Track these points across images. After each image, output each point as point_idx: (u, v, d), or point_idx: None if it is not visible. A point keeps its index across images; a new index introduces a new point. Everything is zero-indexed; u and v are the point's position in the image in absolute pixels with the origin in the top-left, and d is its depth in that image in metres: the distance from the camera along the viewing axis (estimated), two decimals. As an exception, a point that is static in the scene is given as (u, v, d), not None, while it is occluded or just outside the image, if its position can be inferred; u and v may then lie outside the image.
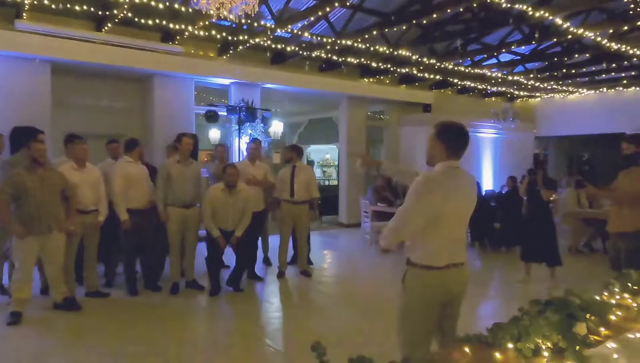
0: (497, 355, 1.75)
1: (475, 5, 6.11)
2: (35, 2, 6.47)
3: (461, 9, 6.67)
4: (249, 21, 4.95)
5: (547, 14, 6.44)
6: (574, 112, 13.73)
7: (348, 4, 6.57)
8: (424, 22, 6.97)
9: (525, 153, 14.22)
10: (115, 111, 8.71)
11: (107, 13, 6.81)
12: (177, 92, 8.81)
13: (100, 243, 5.50)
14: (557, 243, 6.32)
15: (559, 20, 6.76)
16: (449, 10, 6.41)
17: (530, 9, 6.30)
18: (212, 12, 4.18)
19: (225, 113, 9.12)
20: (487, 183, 12.82)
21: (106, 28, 7.41)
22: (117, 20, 7.10)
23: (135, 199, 5.49)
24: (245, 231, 5.71)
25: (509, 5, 6.04)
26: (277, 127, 10.56)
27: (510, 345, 1.79)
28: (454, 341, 2.54)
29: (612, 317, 2.12)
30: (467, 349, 1.79)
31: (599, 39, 7.50)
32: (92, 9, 6.77)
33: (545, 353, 1.73)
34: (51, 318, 4.79)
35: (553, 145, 16.07)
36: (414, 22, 6.96)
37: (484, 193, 9.62)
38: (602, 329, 2.00)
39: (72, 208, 4.92)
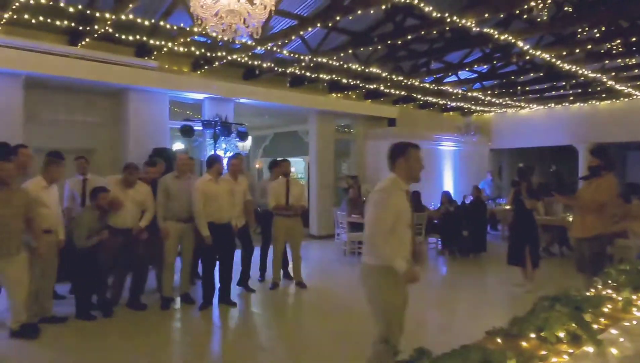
0: (524, 343, 2.03)
1: (447, 28, 6.56)
2: (14, 16, 6.36)
3: (434, 32, 7.12)
4: (232, 39, 5.11)
5: (510, 38, 7.01)
6: (525, 126, 14.65)
7: (330, 25, 6.87)
8: (399, 42, 7.37)
9: (480, 164, 14.96)
10: (89, 125, 8.58)
11: (88, 28, 6.77)
12: (152, 107, 8.80)
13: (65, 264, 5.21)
14: (528, 247, 6.63)
15: (520, 43, 7.36)
16: (422, 33, 6.87)
17: (496, 32, 6.84)
18: (217, 33, 4.32)
19: (200, 128, 9.16)
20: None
21: (83, 43, 7.35)
22: (96, 35, 7.07)
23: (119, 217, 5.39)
24: (227, 246, 5.78)
25: (478, 29, 6.54)
26: (245, 141, 10.64)
27: (532, 335, 2.07)
28: None
29: (605, 309, 2.46)
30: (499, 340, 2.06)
31: (553, 60, 8.17)
32: (72, 24, 6.71)
33: (564, 340, 2.03)
34: (23, 343, 4.51)
35: (507, 157, 17.00)
36: (389, 42, 7.36)
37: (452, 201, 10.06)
38: (601, 319, 2.34)
39: (37, 230, 4.65)
